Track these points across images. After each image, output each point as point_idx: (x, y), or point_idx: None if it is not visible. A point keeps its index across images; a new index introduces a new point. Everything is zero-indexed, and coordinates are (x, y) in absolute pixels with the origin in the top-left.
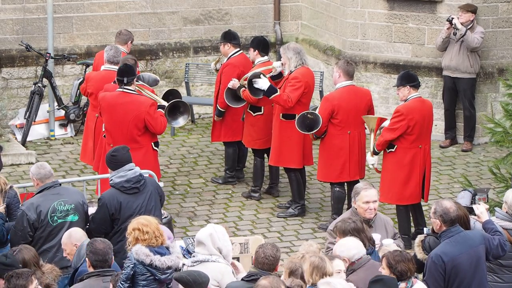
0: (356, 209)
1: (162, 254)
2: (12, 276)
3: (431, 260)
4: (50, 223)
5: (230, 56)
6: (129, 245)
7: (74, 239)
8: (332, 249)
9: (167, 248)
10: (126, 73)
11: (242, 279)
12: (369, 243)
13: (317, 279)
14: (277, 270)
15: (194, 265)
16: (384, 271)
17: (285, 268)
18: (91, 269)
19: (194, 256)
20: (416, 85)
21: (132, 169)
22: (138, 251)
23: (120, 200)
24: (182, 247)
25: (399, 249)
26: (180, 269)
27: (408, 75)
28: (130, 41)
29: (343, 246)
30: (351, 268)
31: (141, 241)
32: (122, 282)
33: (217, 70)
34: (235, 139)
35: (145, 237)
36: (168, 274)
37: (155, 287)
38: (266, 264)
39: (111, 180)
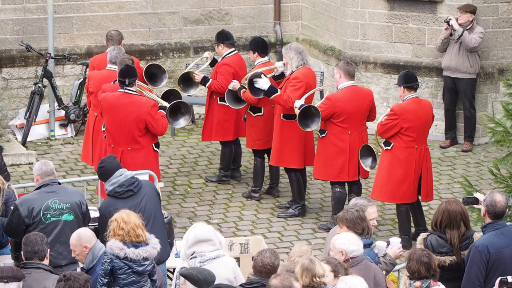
0: None
1: (136, 246)
2: (69, 279)
3: (476, 249)
4: (43, 220)
5: (224, 56)
6: (108, 234)
7: (83, 240)
8: None
9: (146, 243)
10: (128, 74)
11: (241, 285)
12: (370, 233)
13: (306, 281)
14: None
15: (204, 264)
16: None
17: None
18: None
19: (201, 256)
20: (410, 87)
21: (122, 174)
22: (112, 246)
23: (117, 206)
24: None
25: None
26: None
27: (405, 76)
28: (122, 40)
29: (344, 239)
30: None
31: (115, 235)
32: (101, 278)
33: (211, 65)
34: (226, 139)
35: (119, 232)
36: (146, 266)
37: (135, 279)
38: (264, 272)
39: (106, 189)
